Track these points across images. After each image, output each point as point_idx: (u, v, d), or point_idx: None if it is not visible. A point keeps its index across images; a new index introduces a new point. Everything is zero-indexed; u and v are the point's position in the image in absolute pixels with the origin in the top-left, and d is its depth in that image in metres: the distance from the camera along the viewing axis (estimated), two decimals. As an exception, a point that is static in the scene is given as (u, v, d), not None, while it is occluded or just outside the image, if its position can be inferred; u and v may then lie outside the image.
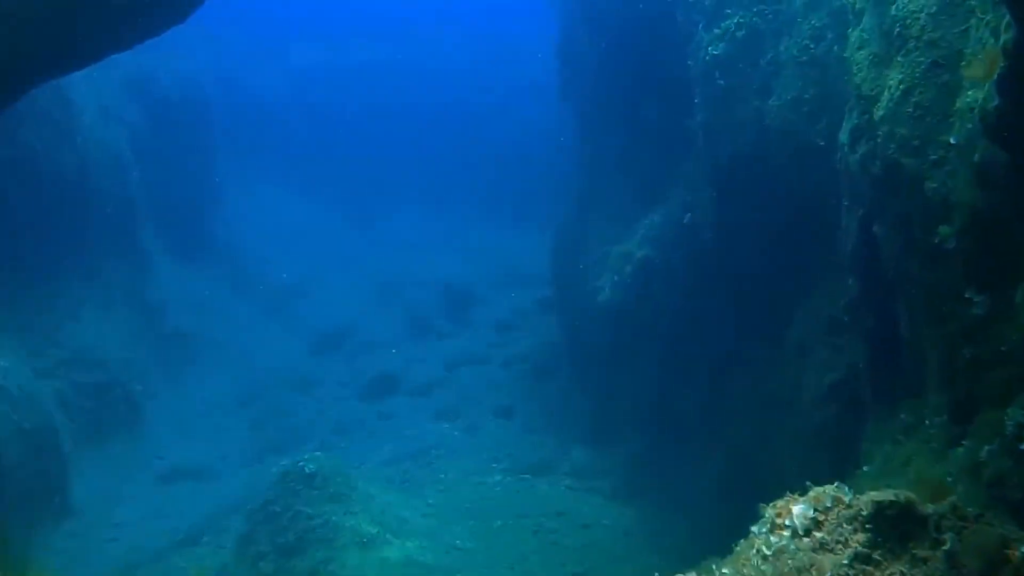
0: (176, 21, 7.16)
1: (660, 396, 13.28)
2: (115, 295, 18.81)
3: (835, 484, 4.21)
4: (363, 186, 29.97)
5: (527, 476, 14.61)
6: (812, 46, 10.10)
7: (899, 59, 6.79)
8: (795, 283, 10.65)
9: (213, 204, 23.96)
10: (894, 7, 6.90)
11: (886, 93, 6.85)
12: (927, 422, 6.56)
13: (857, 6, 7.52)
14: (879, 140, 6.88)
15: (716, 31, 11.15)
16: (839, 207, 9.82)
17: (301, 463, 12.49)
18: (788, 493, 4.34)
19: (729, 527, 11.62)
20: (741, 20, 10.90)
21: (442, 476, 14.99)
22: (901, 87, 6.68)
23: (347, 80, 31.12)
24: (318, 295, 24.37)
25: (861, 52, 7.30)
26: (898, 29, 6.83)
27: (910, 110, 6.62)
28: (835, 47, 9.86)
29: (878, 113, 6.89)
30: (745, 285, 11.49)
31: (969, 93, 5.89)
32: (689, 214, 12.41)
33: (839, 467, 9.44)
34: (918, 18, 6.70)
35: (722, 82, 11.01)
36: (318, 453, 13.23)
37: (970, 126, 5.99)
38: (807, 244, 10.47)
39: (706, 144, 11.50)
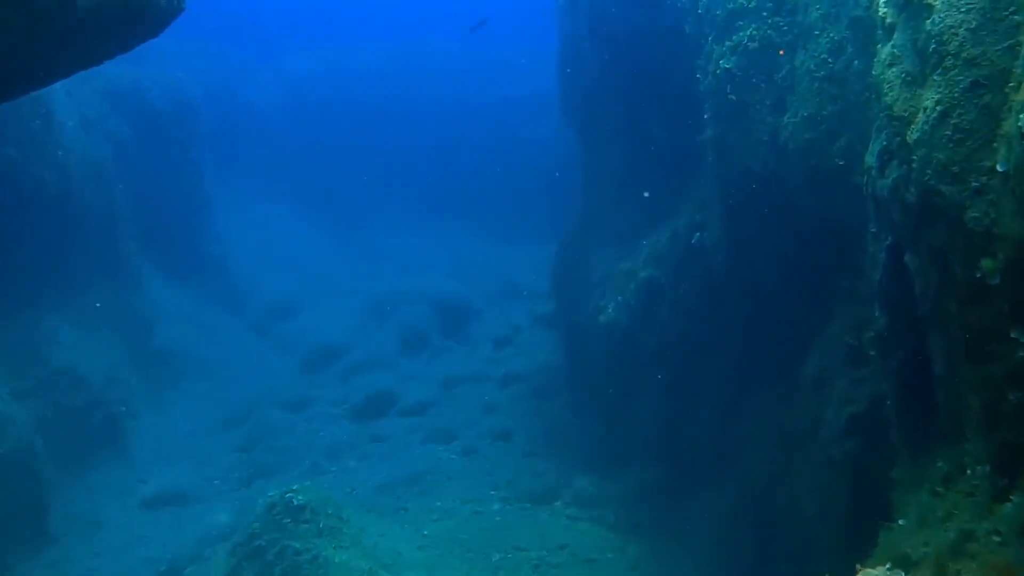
0: (150, 35, 6.68)
1: (667, 424, 12.80)
2: (99, 313, 18.30)
3: (887, 567, 3.71)
4: (357, 199, 29.53)
5: (527, 505, 14.10)
6: (831, 60, 9.63)
7: (935, 78, 6.32)
8: (812, 310, 10.19)
9: (202, 219, 23.47)
10: (929, 22, 6.43)
11: (921, 114, 6.38)
12: (968, 472, 6.07)
13: (887, 21, 7.05)
14: (914, 165, 6.40)
15: (728, 44, 10.69)
16: (860, 231, 9.40)
17: (288, 495, 11.95)
18: None
19: (740, 564, 11.14)
20: (754, 32, 10.44)
21: (438, 504, 14.46)
22: (938, 108, 6.21)
23: (342, 91, 30.72)
24: (310, 311, 23.91)
25: (892, 70, 6.83)
26: (934, 46, 6.36)
27: (948, 133, 6.14)
28: (855, 62, 9.42)
29: (912, 136, 6.42)
30: (757, 310, 11.04)
31: (1021, 116, 5.41)
32: (697, 234, 11.95)
33: (860, 506, 8.98)
34: (956, 34, 6.23)
35: (734, 97, 10.56)
36: (307, 483, 12.68)
37: (1018, 151, 5.51)
38: (825, 269, 10.02)
39: (716, 162, 11.04)
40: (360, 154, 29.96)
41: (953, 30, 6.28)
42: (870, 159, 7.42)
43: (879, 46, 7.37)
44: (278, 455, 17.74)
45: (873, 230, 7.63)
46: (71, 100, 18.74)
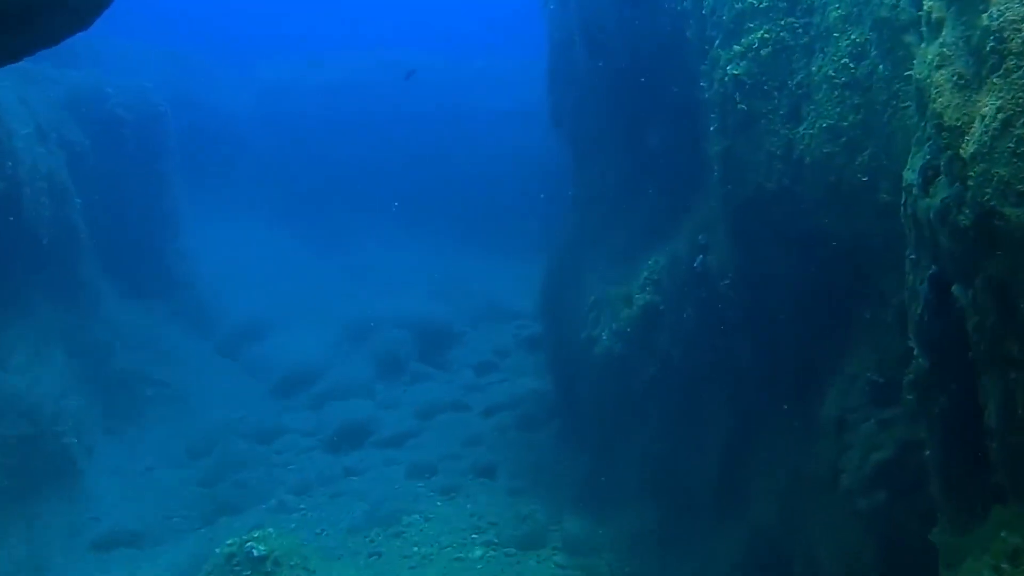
0: (77, 28, 5.81)
1: (666, 461, 11.92)
2: (51, 336, 17.28)
3: None
4: (333, 214, 28.67)
5: (512, 550, 13.14)
6: (852, 65, 8.85)
7: (995, 81, 5.51)
8: (830, 342, 9.35)
9: (167, 234, 22.51)
10: (986, 16, 5.63)
11: (978, 124, 5.56)
12: (1041, 546, 5.21)
13: (934, 16, 6.24)
14: (969, 183, 5.58)
15: (736, 48, 9.89)
16: (886, 256, 8.60)
17: (249, 544, 11.00)
18: None
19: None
20: (766, 35, 9.65)
21: (415, 549, 13.51)
22: (999, 117, 5.39)
23: (317, 100, 29.90)
24: (281, 333, 22.96)
25: (941, 72, 6.01)
26: (992, 44, 5.56)
27: (1012, 145, 5.32)
28: (880, 66, 8.63)
29: (968, 149, 5.59)
30: (768, 341, 10.19)
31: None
32: (701, 256, 11.11)
33: (890, 568, 8.12)
34: (1020, 29, 5.42)
35: (743, 106, 9.75)
36: (270, 530, 11.69)
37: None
38: (844, 297, 9.20)
39: (723, 177, 10.21)
40: (336, 167, 29.20)
41: (1016, 25, 5.47)
42: (910, 175, 6.59)
43: (923, 45, 6.56)
44: (244, 490, 16.75)
45: (912, 257, 6.79)
46: (24, 108, 17.81)
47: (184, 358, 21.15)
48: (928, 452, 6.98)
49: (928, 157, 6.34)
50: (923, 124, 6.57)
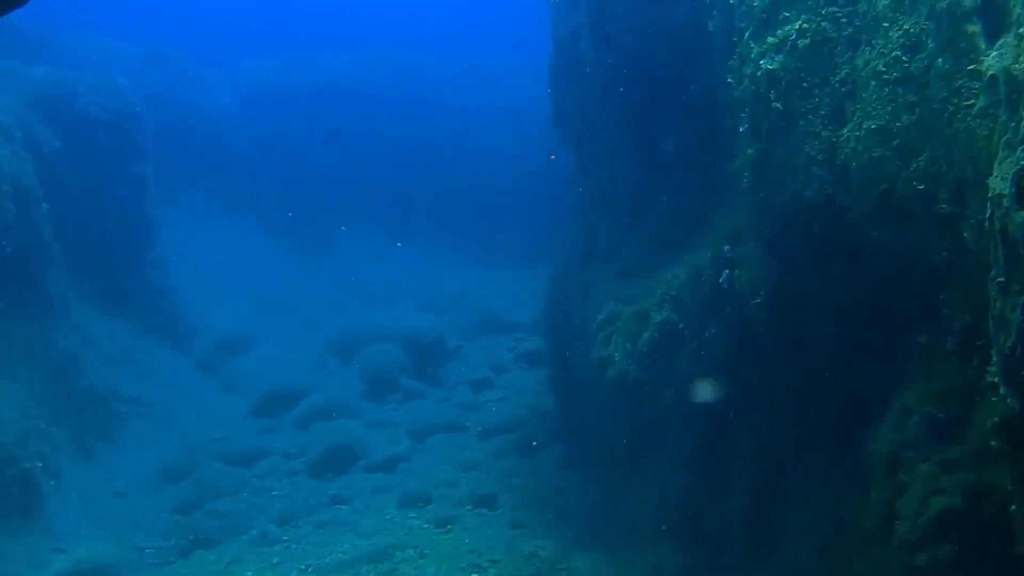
0: (13, 4, 4.89)
1: (690, 497, 11.01)
2: (12, 352, 16.34)
3: None
4: (319, 220, 27.83)
5: (516, 593, 12.23)
6: (905, 59, 7.97)
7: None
8: (879, 370, 8.48)
9: (142, 241, 21.67)
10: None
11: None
12: None
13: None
14: (1087, 195, 4.70)
15: (771, 40, 9.01)
16: (949, 274, 7.74)
17: (226, 588, 10.03)
18: None
19: None
20: (805, 25, 8.77)
21: (408, 591, 12.57)
22: None
23: (304, 101, 29.13)
24: (264, 347, 22.11)
25: (1045, 62, 5.15)
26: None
27: None
28: (939, 60, 7.75)
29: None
30: (805, 367, 9.31)
31: None
32: (727, 272, 10.23)
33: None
34: None
35: (779, 105, 8.87)
36: (249, 574, 10.73)
37: None
38: (896, 320, 8.32)
39: (755, 184, 9.34)
40: (322, 170, 28.31)
41: None
42: (999, 185, 5.72)
43: (1008, 33, 5.69)
44: (222, 520, 15.79)
45: (1000, 280, 5.90)
46: (-13, 106, 16.91)
47: (160, 374, 20.28)
48: (1014, 507, 6.11)
49: (1023, 163, 5.47)
50: (1013, 124, 5.71)
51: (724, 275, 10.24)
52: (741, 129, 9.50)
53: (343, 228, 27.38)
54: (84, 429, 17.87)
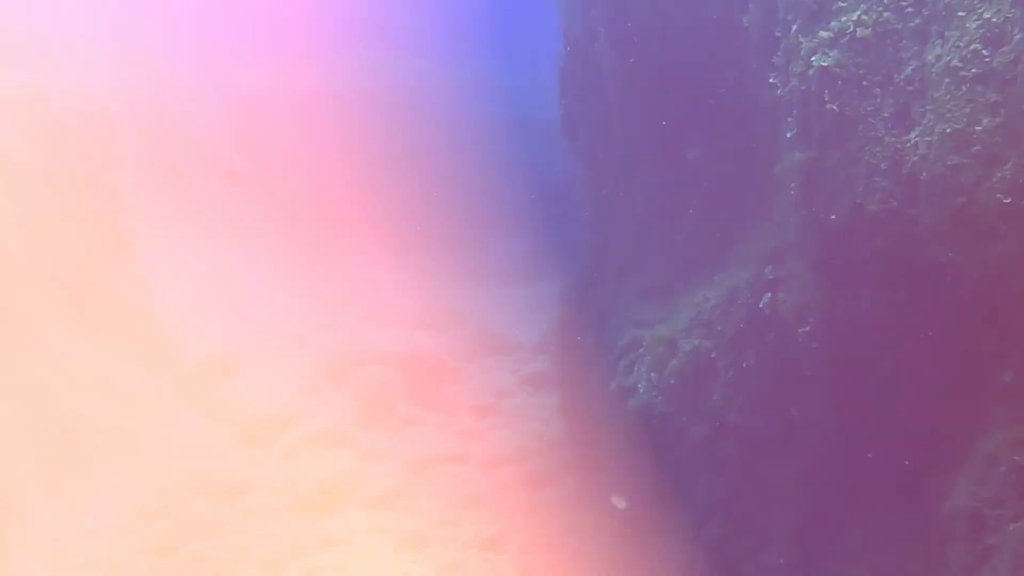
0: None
1: (724, 543, 10.05)
2: (-24, 379, 15.37)
3: None
4: (308, 234, 27.06)
5: (528, 653, 11.25)
6: (986, 53, 7.09)
7: None
8: (952, 411, 7.54)
9: (120, 256, 20.70)
10: None
11: None
12: None
13: None
14: None
15: (824, 33, 8.12)
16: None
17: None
18: None
19: None
20: (864, 16, 7.89)
21: (408, 650, 11.60)
22: None
23: (292, 107, 28.29)
24: (251, 370, 21.10)
25: None
26: None
27: None
28: (1028, 54, 6.84)
29: None
30: (862, 405, 8.38)
31: None
32: (768, 295, 9.31)
33: None
34: None
35: (834, 107, 7.98)
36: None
37: None
38: (973, 355, 7.39)
39: (804, 197, 8.42)
40: (312, 182, 27.50)
41: None
42: None
43: None
44: (204, 564, 14.74)
45: None
46: (-50, 111, 16.04)
47: (138, 400, 19.29)
48: None
49: None
50: None
51: (766, 299, 9.32)
52: (788, 134, 8.59)
53: (334, 243, 26.75)
54: (54, 462, 16.89)
